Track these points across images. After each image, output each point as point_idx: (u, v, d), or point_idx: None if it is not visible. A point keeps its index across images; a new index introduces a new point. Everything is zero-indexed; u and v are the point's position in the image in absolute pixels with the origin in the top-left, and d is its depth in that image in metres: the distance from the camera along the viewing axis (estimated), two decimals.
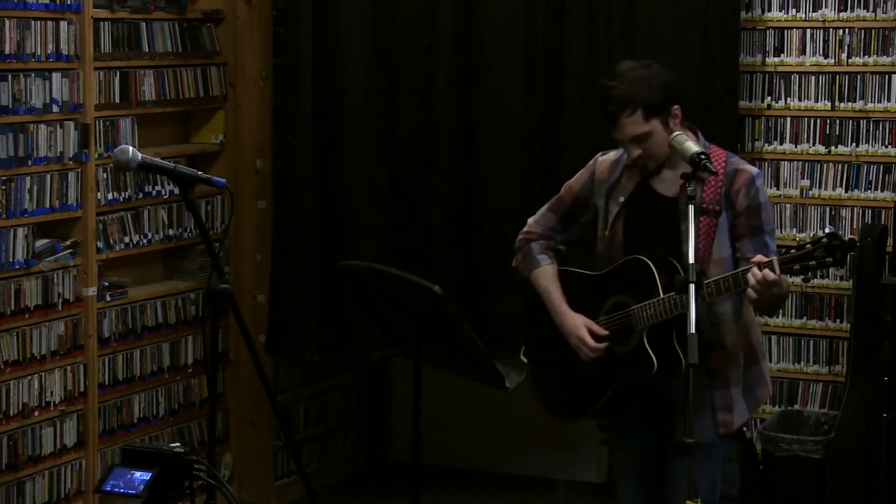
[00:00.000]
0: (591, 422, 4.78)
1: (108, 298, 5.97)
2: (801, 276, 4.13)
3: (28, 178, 5.60)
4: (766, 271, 4.11)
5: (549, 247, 4.67)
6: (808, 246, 4.09)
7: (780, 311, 6.27)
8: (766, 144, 6.32)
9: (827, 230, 4.13)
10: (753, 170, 4.41)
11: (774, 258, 4.14)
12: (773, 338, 6.34)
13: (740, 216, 4.36)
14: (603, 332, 4.47)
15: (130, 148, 3.99)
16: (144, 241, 6.16)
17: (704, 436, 4.34)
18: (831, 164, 6.25)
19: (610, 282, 4.48)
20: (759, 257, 4.18)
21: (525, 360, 4.76)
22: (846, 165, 6.22)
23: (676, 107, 4.39)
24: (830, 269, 6.23)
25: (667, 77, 4.40)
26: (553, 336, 4.58)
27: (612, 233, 4.49)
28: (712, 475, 4.48)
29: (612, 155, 4.57)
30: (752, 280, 4.13)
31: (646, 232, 4.44)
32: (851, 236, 5.69)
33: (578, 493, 6.82)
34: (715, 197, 4.34)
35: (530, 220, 4.72)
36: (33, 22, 5.59)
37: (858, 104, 6.19)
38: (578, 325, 4.50)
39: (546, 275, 4.62)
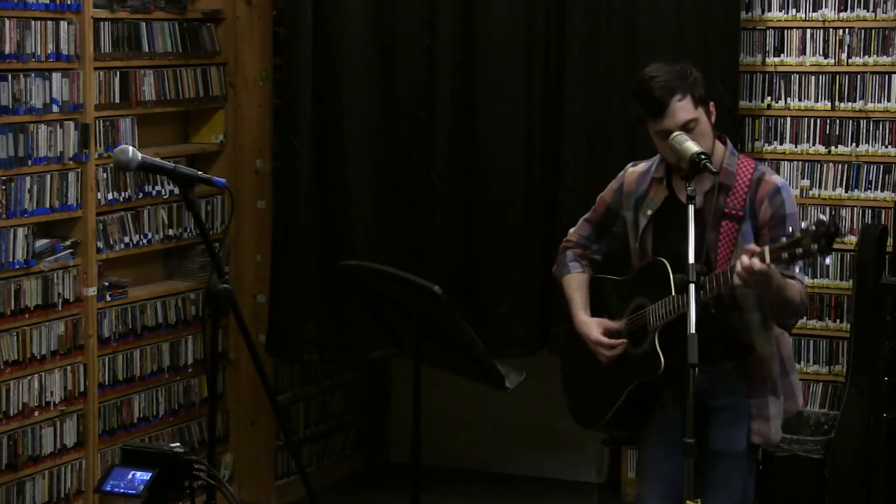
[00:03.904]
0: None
1: (108, 298, 5.97)
2: (793, 265, 4.07)
3: (28, 178, 5.60)
4: (754, 260, 4.05)
5: (584, 255, 4.61)
6: (797, 234, 4.06)
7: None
8: (766, 144, 6.32)
9: (817, 218, 4.06)
10: (780, 180, 4.31)
11: (765, 247, 4.07)
12: None
13: (763, 227, 4.26)
14: (613, 325, 4.44)
15: (130, 148, 3.98)
16: (144, 241, 6.16)
17: (737, 444, 4.30)
18: (831, 164, 6.24)
19: (633, 285, 4.44)
20: (752, 246, 4.10)
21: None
22: (846, 165, 6.22)
23: (712, 103, 4.33)
24: (830, 269, 6.24)
25: (700, 74, 4.34)
26: (579, 342, 4.55)
27: (641, 245, 4.42)
28: (745, 484, 4.37)
29: (641, 166, 4.48)
30: (738, 266, 4.07)
31: (674, 243, 4.32)
32: (849, 229, 5.67)
33: (578, 493, 6.81)
34: (739, 203, 4.27)
35: (571, 230, 4.66)
36: (33, 22, 5.59)
37: (858, 104, 6.19)
38: (591, 326, 4.46)
39: (573, 282, 4.58)
